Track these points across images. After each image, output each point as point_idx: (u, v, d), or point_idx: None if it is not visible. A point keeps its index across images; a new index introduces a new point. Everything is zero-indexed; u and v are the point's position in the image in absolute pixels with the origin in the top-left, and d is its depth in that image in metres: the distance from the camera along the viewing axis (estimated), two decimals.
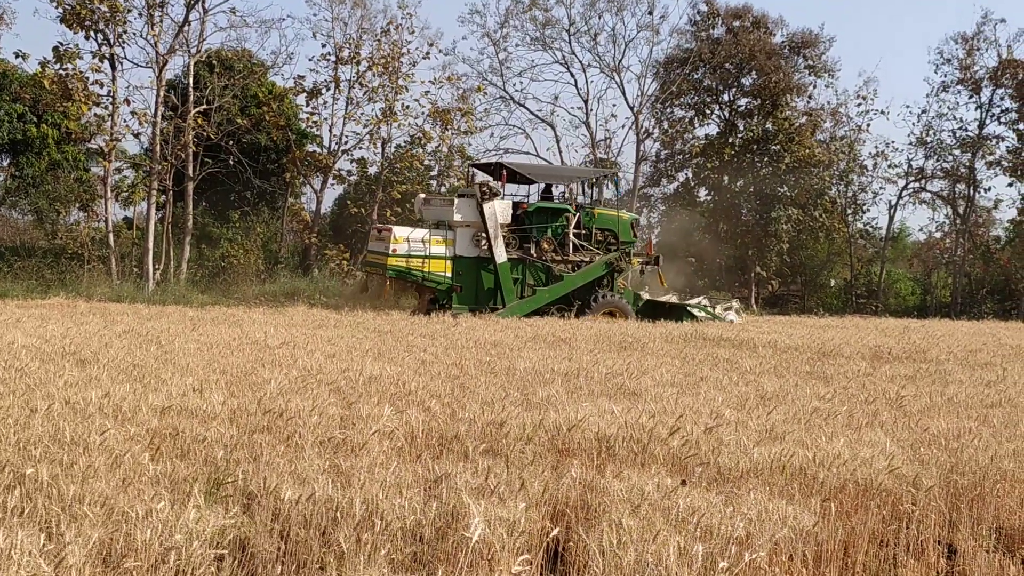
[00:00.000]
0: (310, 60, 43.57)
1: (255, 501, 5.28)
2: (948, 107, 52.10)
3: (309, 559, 4.89)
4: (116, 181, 36.89)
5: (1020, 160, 50.20)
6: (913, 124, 61.66)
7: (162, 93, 34.11)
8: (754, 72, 47.59)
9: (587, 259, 26.58)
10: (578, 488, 5.59)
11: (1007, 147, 51.21)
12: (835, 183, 50.27)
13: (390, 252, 24.53)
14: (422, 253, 24.72)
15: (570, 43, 46.02)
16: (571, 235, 26.47)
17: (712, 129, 49.59)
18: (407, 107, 39.15)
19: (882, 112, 52.94)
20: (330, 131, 39.28)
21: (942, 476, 6.90)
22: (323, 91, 38.67)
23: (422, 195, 29.96)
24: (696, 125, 49.68)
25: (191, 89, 34.69)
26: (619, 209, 29.57)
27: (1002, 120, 51.20)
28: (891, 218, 53.31)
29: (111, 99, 34.27)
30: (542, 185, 27.99)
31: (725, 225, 47.19)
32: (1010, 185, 51.42)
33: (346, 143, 39.22)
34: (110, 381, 8.92)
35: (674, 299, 29.24)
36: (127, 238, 37.10)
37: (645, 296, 28.18)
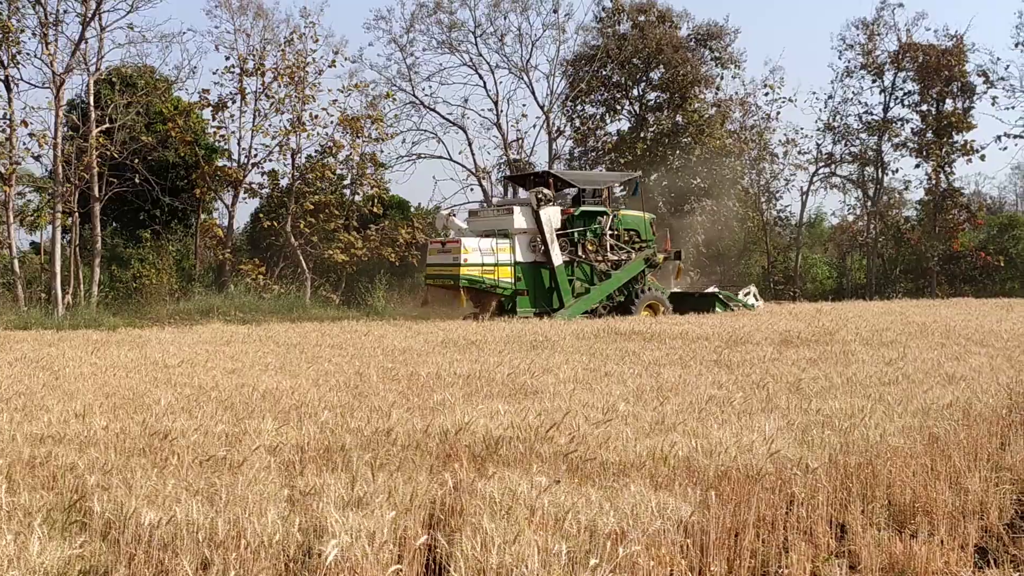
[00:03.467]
0: (214, 73, 42.98)
1: (114, 528, 5.08)
2: (853, 92, 53.17)
3: None
4: (19, 206, 36.00)
5: (925, 141, 51.23)
6: (820, 110, 63.03)
7: (61, 113, 33.32)
8: (662, 66, 47.99)
9: (623, 257, 28.49)
10: (453, 493, 5.48)
11: (911, 129, 52.30)
12: (747, 172, 50.91)
13: (462, 263, 25.64)
14: (492, 261, 26.00)
15: (477, 45, 46.07)
16: (608, 236, 28.36)
17: (623, 124, 49.97)
18: (316, 117, 38.80)
19: (790, 100, 53.80)
20: (239, 144, 38.77)
21: (831, 456, 6.91)
22: (229, 104, 38.11)
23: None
24: (607, 121, 50.03)
25: (92, 108, 33.93)
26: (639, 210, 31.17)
27: (905, 103, 52.32)
28: (803, 204, 54.17)
29: (8, 122, 33.41)
30: (573, 191, 29.33)
31: None
32: (917, 166, 52.54)
33: (256, 156, 38.71)
34: None
35: (713, 289, 31.85)
36: (34, 263, 36.24)
37: (673, 289, 30.17)
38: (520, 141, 47.36)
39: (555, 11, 46.34)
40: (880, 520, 7.15)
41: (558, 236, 27.15)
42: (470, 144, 46.35)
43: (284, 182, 39.94)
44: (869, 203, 53.62)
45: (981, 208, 54.79)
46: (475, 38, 45.91)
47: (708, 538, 5.57)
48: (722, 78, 49.57)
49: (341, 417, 8.32)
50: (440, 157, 46.77)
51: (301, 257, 38.60)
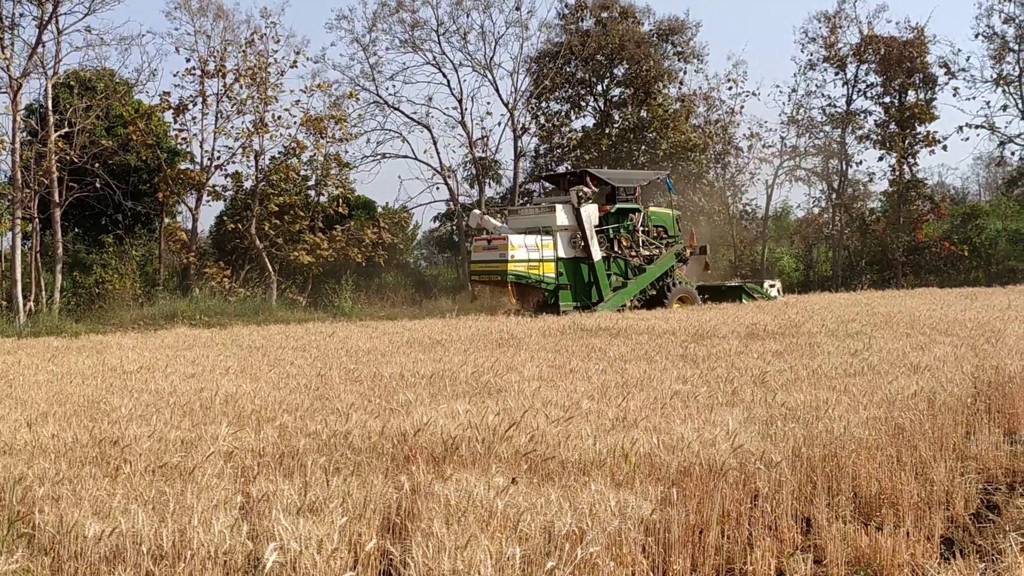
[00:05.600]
0: (175, 76, 42.43)
1: (56, 542, 4.91)
2: (816, 85, 53.51)
3: None
4: None
5: (888, 133, 51.51)
6: (784, 104, 63.22)
7: (19, 118, 32.85)
8: (625, 62, 47.98)
9: (655, 253, 29.63)
10: (410, 496, 5.35)
11: (875, 121, 52.58)
12: (712, 166, 51.00)
13: (509, 259, 26.54)
14: (537, 257, 26.92)
15: (440, 43, 45.84)
16: (641, 232, 29.47)
17: (588, 121, 49.91)
18: (279, 118, 38.56)
19: (753, 94, 54.14)
20: (201, 147, 38.43)
21: (794, 450, 6.83)
22: (190, 106, 37.79)
23: (476, 211, 32.97)
24: (572, 118, 49.96)
25: (50, 112, 33.48)
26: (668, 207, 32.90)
27: (868, 95, 52.59)
28: (769, 197, 54.39)
29: None
30: (607, 188, 30.20)
31: None
32: (881, 158, 52.81)
33: (219, 158, 38.42)
34: None
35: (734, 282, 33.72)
36: None
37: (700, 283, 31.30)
38: (485, 139, 47.27)
39: (518, 8, 46.26)
40: (846, 513, 7.08)
41: (596, 232, 28.17)
42: (435, 143, 46.21)
43: (248, 184, 39.65)
44: (834, 195, 53.87)
45: (944, 199, 55.18)
46: (438, 36, 45.76)
47: (671, 536, 5.47)
48: (685, 73, 49.72)
49: (300, 420, 8.17)
50: (405, 156, 46.56)
51: (266, 259, 38.33)
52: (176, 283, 38.30)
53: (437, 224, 52.91)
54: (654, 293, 29.12)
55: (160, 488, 5.87)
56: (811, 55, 52.98)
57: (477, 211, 33.49)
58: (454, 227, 49.77)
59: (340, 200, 41.10)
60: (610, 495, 5.18)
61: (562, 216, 27.82)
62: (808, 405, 8.15)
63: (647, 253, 29.59)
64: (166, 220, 39.69)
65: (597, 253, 27.97)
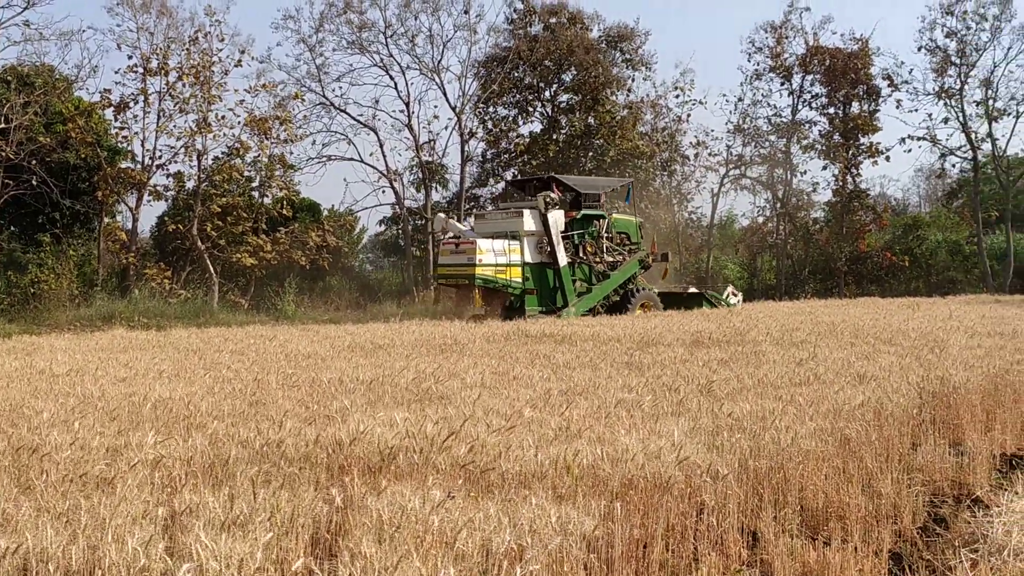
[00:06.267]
0: (116, 72, 41.72)
1: None
2: (762, 94, 53.79)
3: None
4: None
5: (832, 143, 51.96)
6: (730, 112, 63.59)
7: None
8: (574, 68, 47.95)
9: (619, 259, 30.02)
10: (341, 510, 5.07)
11: (819, 131, 53.03)
12: (659, 174, 51.11)
13: (477, 263, 26.60)
14: (504, 261, 27.05)
15: (388, 45, 45.49)
16: (605, 238, 29.38)
17: (536, 126, 49.79)
18: (222, 117, 37.96)
19: (700, 102, 54.07)
20: (142, 146, 37.73)
21: (741, 462, 6.66)
22: (132, 104, 37.05)
23: (441, 215, 33.09)
24: (520, 123, 49.82)
25: None
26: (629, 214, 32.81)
27: (813, 105, 53.07)
28: (714, 205, 54.63)
29: None
30: (570, 195, 30.32)
31: None
32: (824, 168, 53.28)
33: (160, 157, 37.74)
34: None
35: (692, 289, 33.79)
36: None
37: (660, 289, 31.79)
38: (432, 143, 46.97)
39: (466, 12, 46.04)
40: (793, 527, 6.92)
41: (562, 238, 28.45)
42: (381, 146, 45.85)
43: (190, 184, 39.02)
44: (778, 204, 54.23)
45: (886, 209, 55.77)
46: (386, 39, 45.41)
47: (614, 552, 5.26)
48: (633, 80, 49.81)
49: (232, 427, 7.85)
50: (351, 159, 46.29)
51: (208, 261, 37.71)
52: (115, 284, 37.54)
53: (383, 228, 52.53)
54: (617, 299, 29.45)
55: (76, 501, 5.54)
56: (757, 65, 53.39)
57: (442, 214, 33.63)
58: (400, 231, 49.39)
59: (284, 202, 40.57)
60: (551, 510, 4.95)
61: (529, 221, 28.05)
62: (754, 415, 7.99)
63: (611, 259, 29.90)
64: (105, 220, 38.90)
65: (563, 259, 28.20)
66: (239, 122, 38.25)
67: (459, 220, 46.04)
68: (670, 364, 12.75)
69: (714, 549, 6.21)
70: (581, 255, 29.30)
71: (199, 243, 37.55)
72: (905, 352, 13.70)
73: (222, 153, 39.11)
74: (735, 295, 33.78)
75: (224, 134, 38.13)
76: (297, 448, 6.58)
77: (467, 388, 10.28)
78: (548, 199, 28.18)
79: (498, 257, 27.09)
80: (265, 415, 8.53)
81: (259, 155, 39.53)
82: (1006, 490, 7.38)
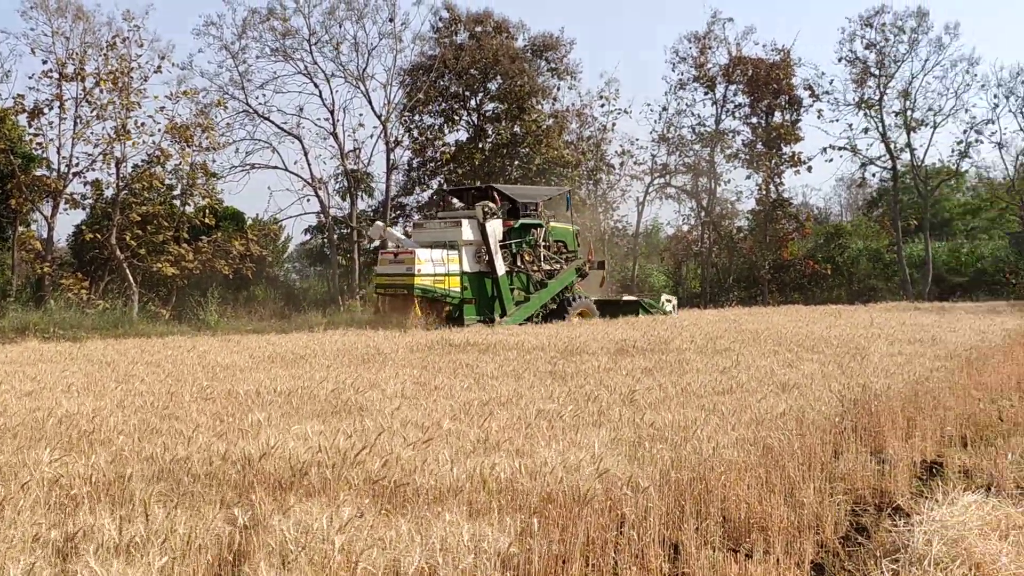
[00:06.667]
0: (30, 78, 40.67)
1: None
2: (686, 104, 54.19)
3: None
4: None
5: (755, 153, 52.54)
6: (655, 122, 64.08)
7: None
8: (499, 76, 47.87)
9: (556, 268, 30.30)
10: (244, 531, 4.84)
11: (742, 140, 53.60)
12: (584, 183, 51.24)
13: (416, 272, 26.55)
14: (443, 271, 27.08)
15: (312, 53, 44.95)
16: (542, 247, 30.00)
17: (462, 135, 49.62)
18: (142, 124, 37.15)
19: (625, 111, 54.52)
20: (58, 153, 36.74)
21: (662, 473, 6.54)
22: (47, 110, 36.12)
23: (379, 223, 33.34)
24: (446, 132, 49.60)
25: None
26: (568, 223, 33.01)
27: (736, 115, 53.63)
28: (639, 214, 54.95)
29: None
30: (508, 205, 30.29)
31: None
32: (748, 177, 53.87)
33: (77, 165, 36.80)
34: None
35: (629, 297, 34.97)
36: None
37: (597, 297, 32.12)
38: (357, 151, 46.54)
39: (391, 20, 45.70)
40: (715, 539, 6.82)
41: (500, 247, 28.52)
42: (306, 154, 45.26)
43: (109, 192, 38.18)
44: (703, 213, 54.67)
45: (809, 218, 56.49)
46: (310, 46, 44.87)
47: (531, 568, 5.10)
48: (559, 89, 49.87)
49: (139, 443, 7.55)
50: (275, 167, 45.47)
51: (128, 271, 36.91)
52: (30, 295, 36.56)
53: (308, 237, 51.95)
54: (555, 307, 29.66)
55: None
56: (682, 75, 53.83)
57: (380, 223, 33.75)
58: (325, 240, 48.88)
59: (207, 210, 39.90)
60: (466, 527, 4.77)
61: (467, 231, 28.13)
62: (677, 425, 7.89)
63: (548, 268, 30.15)
64: (19, 228, 37.89)
65: (501, 268, 28.35)
66: (159, 129, 37.56)
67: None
68: (593, 373, 12.64)
69: (635, 563, 6.09)
70: (519, 264, 29.47)
71: (118, 252, 36.76)
72: (827, 360, 13.75)
73: (142, 161, 38.33)
74: (670, 302, 34.16)
75: (144, 141, 37.39)
76: (204, 464, 6.32)
77: (387, 399, 10.07)
78: (486, 208, 28.31)
79: (437, 267, 27.14)
80: (175, 430, 8.24)
81: (180, 163, 38.83)
82: (927, 498, 7.35)
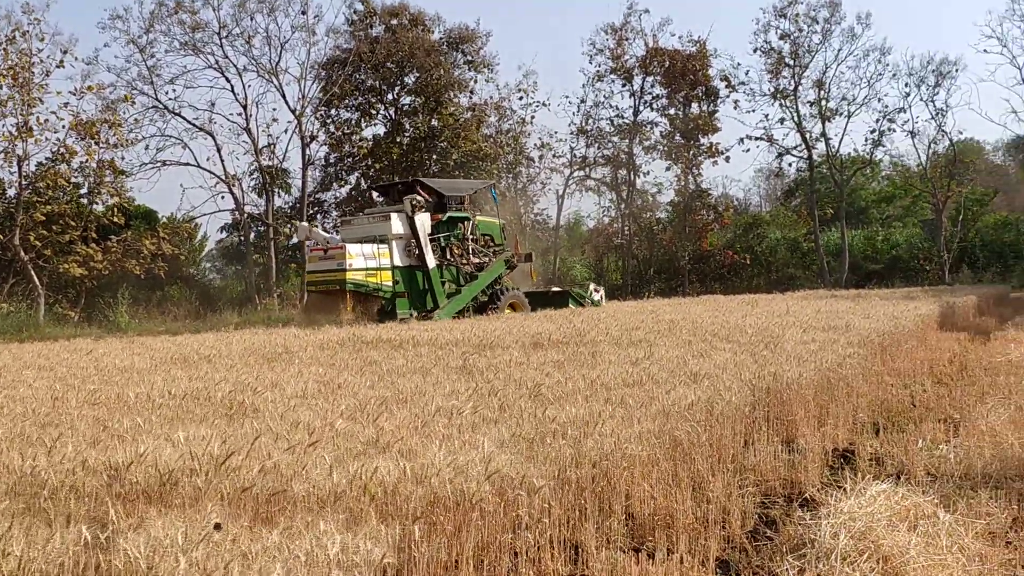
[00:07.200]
0: None
1: None
2: (604, 96, 54.18)
3: None
4: None
5: (673, 144, 52.72)
6: (573, 114, 64.04)
7: None
8: (416, 70, 47.46)
9: (485, 260, 30.41)
10: (92, 550, 4.41)
11: (661, 132, 53.75)
12: (504, 176, 50.99)
13: (347, 268, 26.48)
14: (375, 266, 27.01)
15: (223, 47, 44.08)
16: (470, 240, 30.15)
17: (379, 129, 49.10)
18: (45, 121, 36.09)
19: (544, 104, 54.32)
20: None
21: (560, 471, 6.23)
22: None
23: (304, 224, 33.16)
24: (363, 126, 49.03)
25: None
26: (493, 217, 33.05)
27: (654, 106, 53.78)
28: (559, 207, 54.86)
29: None
30: (435, 199, 30.31)
31: None
32: (667, 169, 54.10)
33: None
34: None
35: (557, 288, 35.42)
36: None
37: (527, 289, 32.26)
38: (272, 147, 45.73)
39: (304, 13, 45.07)
40: (618, 537, 6.54)
41: (429, 241, 28.59)
42: (219, 150, 44.41)
43: (11, 192, 36.98)
44: (623, 205, 54.74)
45: (728, 209, 56.86)
46: (220, 40, 44.01)
47: None
48: (476, 82, 49.57)
49: (6, 454, 7.03)
50: (187, 164, 44.53)
51: (33, 272, 35.81)
52: None
53: (224, 235, 51.02)
54: (486, 299, 29.84)
55: None
56: (599, 66, 53.83)
57: (305, 223, 33.70)
58: (241, 237, 48.00)
59: (116, 209, 38.84)
60: (338, 538, 4.39)
61: (397, 225, 28.16)
62: (581, 420, 7.58)
63: (477, 261, 30.28)
64: None
65: (432, 261, 28.42)
66: (64, 126, 36.54)
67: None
68: (504, 367, 12.30)
69: (532, 566, 5.77)
70: (448, 257, 29.59)
71: (22, 253, 35.65)
72: (741, 349, 13.57)
73: (46, 159, 37.40)
74: (598, 292, 34.42)
75: (47, 138, 36.38)
76: (66, 475, 5.85)
77: (285, 399, 9.63)
78: (415, 202, 28.33)
79: (368, 261, 27.15)
80: (50, 437, 7.72)
81: (87, 160, 37.77)
82: (839, 487, 7.14)
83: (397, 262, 27.90)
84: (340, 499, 5.20)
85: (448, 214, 29.88)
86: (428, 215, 29.00)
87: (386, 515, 5.08)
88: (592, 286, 35.33)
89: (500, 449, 6.30)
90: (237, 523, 4.74)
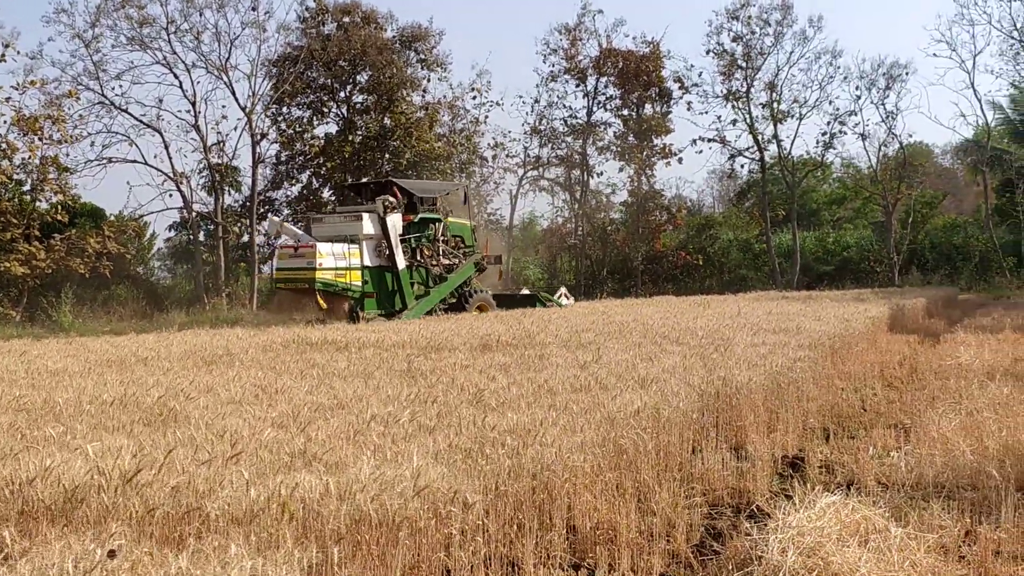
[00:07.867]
0: None
1: None
2: (558, 96, 53.99)
3: None
4: None
5: (627, 145, 52.61)
6: (527, 114, 63.79)
7: None
8: (368, 68, 46.92)
9: (454, 262, 30.36)
10: None
11: (614, 133, 53.62)
12: (457, 176, 50.61)
13: (317, 267, 26.28)
14: (344, 265, 26.83)
15: (171, 42, 43.23)
16: (441, 242, 30.02)
17: (331, 128, 48.52)
18: None
19: (497, 103, 54.01)
20: None
21: (497, 484, 5.92)
22: None
23: (275, 218, 33.36)
24: (315, 124, 48.45)
25: None
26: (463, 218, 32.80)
27: (607, 107, 53.60)
28: (513, 207, 54.59)
29: None
30: (406, 199, 29.96)
31: None
32: (621, 170, 53.93)
33: None
34: None
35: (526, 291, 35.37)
36: None
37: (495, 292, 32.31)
38: (221, 144, 44.99)
39: (254, 9, 44.20)
40: (558, 553, 6.24)
41: (400, 241, 28.47)
42: (167, 147, 43.57)
43: None
44: (576, 206, 54.57)
45: (681, 210, 56.85)
46: (169, 35, 43.16)
47: None
48: (429, 80, 49.05)
49: None
50: (134, 161, 43.62)
51: None
52: None
53: (172, 233, 50.18)
54: (455, 301, 29.81)
55: None
56: (553, 66, 53.60)
57: (276, 218, 33.76)
58: (190, 236, 47.25)
59: (60, 207, 37.99)
60: (248, 563, 4.06)
61: (368, 225, 27.94)
62: (523, 428, 7.27)
63: (447, 262, 30.22)
64: None
65: (402, 262, 28.34)
66: (5, 121, 35.69)
67: (252, 224, 44.46)
68: (448, 371, 11.98)
69: None
70: (418, 258, 29.47)
71: None
72: (691, 352, 13.33)
73: None
74: (567, 296, 34.67)
75: None
76: None
77: (218, 405, 9.25)
78: (387, 203, 28.10)
79: (338, 261, 26.92)
80: None
81: (29, 157, 36.93)
82: (788, 496, 6.89)
83: (367, 262, 27.70)
84: (256, 518, 4.86)
85: (420, 215, 29.71)
86: (400, 215, 28.78)
87: (306, 535, 4.74)
88: (563, 290, 35.56)
89: (435, 461, 5.98)
90: (141, 546, 4.38)
